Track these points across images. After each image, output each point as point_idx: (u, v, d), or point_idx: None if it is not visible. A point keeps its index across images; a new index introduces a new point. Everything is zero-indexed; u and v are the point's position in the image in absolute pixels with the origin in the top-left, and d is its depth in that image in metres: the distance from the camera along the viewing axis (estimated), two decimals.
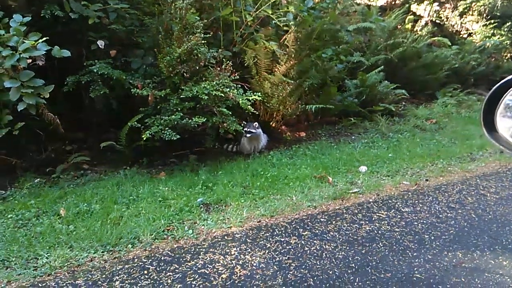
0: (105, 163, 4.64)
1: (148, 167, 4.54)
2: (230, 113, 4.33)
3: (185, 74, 4.23)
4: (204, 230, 3.14)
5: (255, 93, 4.49)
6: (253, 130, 4.77)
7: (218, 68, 4.42)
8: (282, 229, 3.15)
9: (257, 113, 4.71)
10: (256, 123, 4.88)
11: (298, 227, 3.18)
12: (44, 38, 3.60)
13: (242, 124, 4.63)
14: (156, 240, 3.01)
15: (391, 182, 4.11)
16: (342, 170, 4.40)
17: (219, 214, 3.39)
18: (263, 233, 3.09)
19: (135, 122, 4.23)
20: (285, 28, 5.65)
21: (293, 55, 5.40)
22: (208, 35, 4.42)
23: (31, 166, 4.33)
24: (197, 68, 4.29)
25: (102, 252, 2.84)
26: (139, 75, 4.53)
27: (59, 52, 3.75)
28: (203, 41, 4.19)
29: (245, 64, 5.10)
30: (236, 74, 4.50)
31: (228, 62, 4.39)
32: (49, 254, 2.78)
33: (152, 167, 4.58)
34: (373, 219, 3.33)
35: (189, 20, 4.25)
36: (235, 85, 4.55)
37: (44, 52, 3.63)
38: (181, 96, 4.10)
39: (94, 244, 2.90)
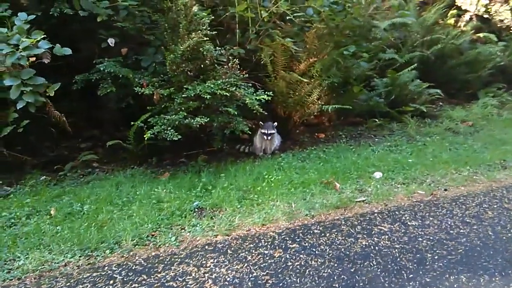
0: (114, 162, 4.61)
1: (156, 167, 4.47)
2: (237, 113, 4.16)
3: (189, 72, 4.09)
4: (188, 238, 2.99)
5: (266, 93, 4.29)
6: (273, 131, 4.60)
7: (226, 67, 4.25)
8: (269, 239, 2.94)
9: (266, 113, 4.47)
10: (276, 123, 4.69)
11: (288, 238, 2.95)
12: (43, 36, 3.59)
13: (253, 125, 4.45)
14: (137, 246, 2.88)
15: (404, 191, 3.77)
16: (354, 175, 4.09)
17: (210, 220, 3.22)
18: (247, 243, 2.89)
19: (139, 122, 4.15)
20: (308, 24, 5.41)
21: (315, 52, 5.15)
22: (214, 32, 4.27)
23: (41, 163, 4.37)
24: (202, 66, 4.14)
25: (80, 256, 2.75)
26: (148, 73, 4.46)
27: (60, 50, 3.75)
28: (205, 38, 4.02)
29: (261, 62, 4.91)
30: (245, 73, 4.32)
31: (234, 60, 4.21)
32: (27, 256, 2.73)
33: (161, 166, 4.50)
34: (373, 232, 3.04)
35: (195, 17, 4.11)
36: (244, 84, 4.38)
37: (45, 50, 3.63)
38: (183, 95, 3.97)
39: (73, 247, 2.82)
